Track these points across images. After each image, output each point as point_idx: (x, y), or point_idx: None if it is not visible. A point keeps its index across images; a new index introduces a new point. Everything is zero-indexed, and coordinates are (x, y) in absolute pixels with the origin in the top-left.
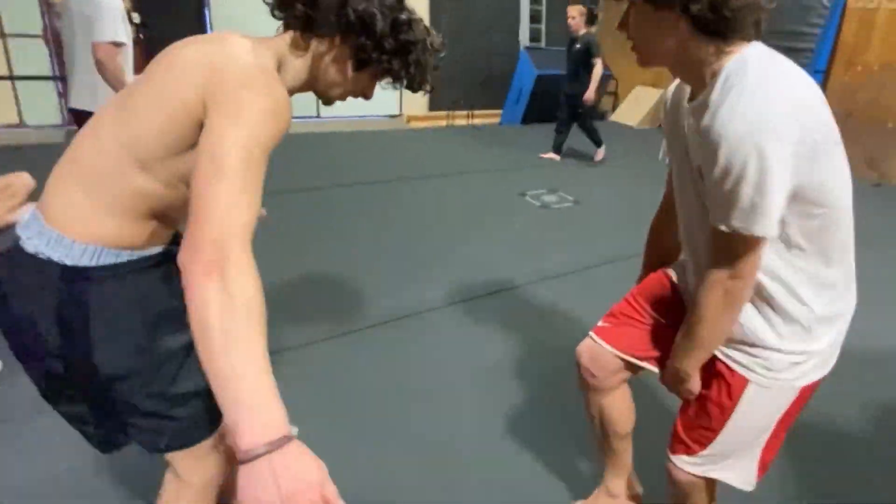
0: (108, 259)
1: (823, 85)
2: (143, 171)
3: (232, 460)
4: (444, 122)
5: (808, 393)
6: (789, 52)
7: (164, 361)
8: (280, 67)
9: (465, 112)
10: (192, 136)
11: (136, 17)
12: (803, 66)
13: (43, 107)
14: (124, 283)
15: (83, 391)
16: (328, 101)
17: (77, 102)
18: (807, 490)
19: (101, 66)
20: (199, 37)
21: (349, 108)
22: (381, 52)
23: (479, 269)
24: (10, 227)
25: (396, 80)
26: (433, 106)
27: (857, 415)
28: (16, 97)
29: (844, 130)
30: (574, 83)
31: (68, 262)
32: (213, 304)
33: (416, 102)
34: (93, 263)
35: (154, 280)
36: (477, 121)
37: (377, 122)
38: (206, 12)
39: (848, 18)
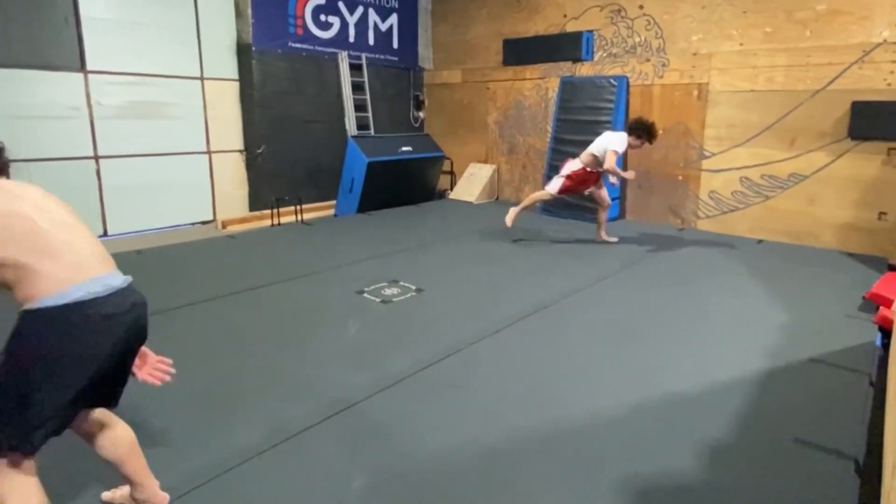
0: None
1: (625, 150)
2: None
3: None
4: (268, 222)
5: None
6: (594, 124)
7: None
8: None
9: (291, 208)
10: None
11: None
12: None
13: None
14: None
15: None
16: None
17: None
18: None
19: None
20: None
21: (149, 220)
22: None
23: (313, 390)
24: None
25: None
26: (253, 205)
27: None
28: None
29: (649, 185)
30: None
31: None
32: None
33: (233, 204)
34: None
35: None
36: (308, 215)
37: (186, 231)
38: None
39: (633, 94)
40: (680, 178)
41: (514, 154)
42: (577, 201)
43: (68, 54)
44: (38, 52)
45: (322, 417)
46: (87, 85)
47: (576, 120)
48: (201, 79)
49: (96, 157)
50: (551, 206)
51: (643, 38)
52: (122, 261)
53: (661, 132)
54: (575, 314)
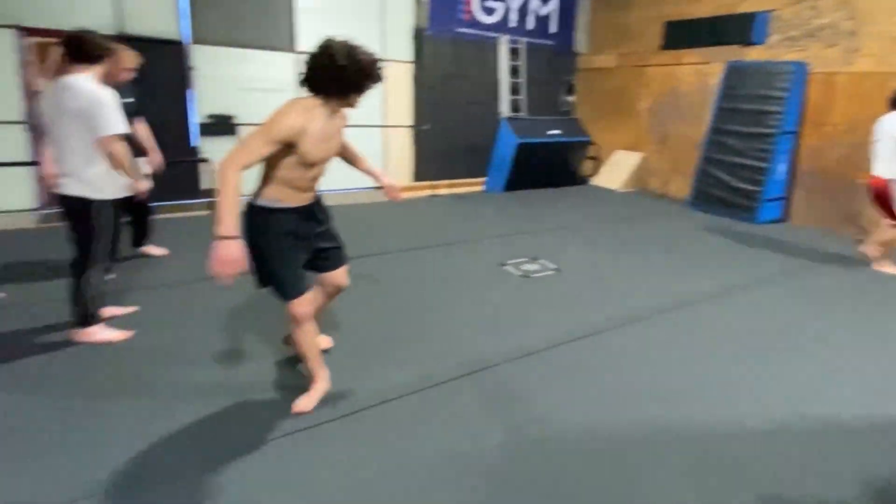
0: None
1: (798, 145)
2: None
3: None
4: (427, 192)
5: None
6: (762, 114)
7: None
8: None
9: (447, 181)
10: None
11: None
12: (773, 126)
13: (18, 192)
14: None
15: None
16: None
17: (70, 190)
18: None
19: (111, 158)
20: None
21: (337, 182)
22: None
23: (456, 347)
24: None
25: None
26: (417, 177)
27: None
28: None
29: (821, 187)
30: None
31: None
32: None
33: (400, 173)
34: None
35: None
36: (460, 189)
37: (360, 194)
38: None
39: (813, 82)
40: (860, 181)
41: (665, 143)
42: (728, 196)
43: (284, 37)
44: (264, 36)
45: (463, 373)
46: (296, 63)
47: (740, 109)
48: (384, 60)
49: None
50: (700, 201)
51: (830, 20)
52: None
53: (842, 128)
54: (721, 317)
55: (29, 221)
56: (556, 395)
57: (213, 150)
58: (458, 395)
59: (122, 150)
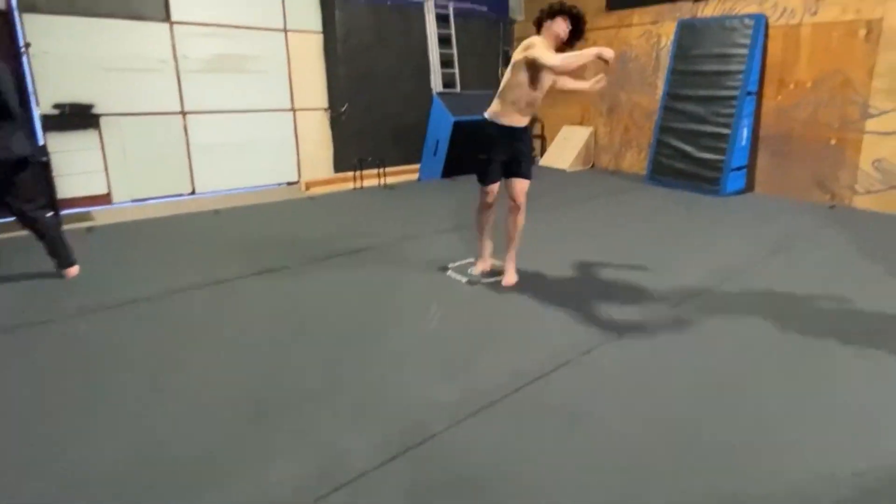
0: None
1: (758, 107)
2: None
3: None
4: (351, 185)
5: None
6: (721, 75)
7: None
8: None
9: (376, 171)
10: None
11: None
12: (736, 88)
13: None
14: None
15: None
16: None
17: None
18: None
19: None
20: None
21: (236, 179)
22: None
23: (376, 410)
24: None
25: None
26: (338, 167)
27: None
28: None
29: (788, 151)
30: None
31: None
32: None
33: (318, 165)
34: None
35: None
36: (391, 179)
37: (271, 192)
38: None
39: (773, 37)
40: (833, 142)
41: (614, 114)
42: (689, 167)
43: (154, 3)
44: (126, 1)
45: (388, 456)
46: (172, 36)
47: (697, 71)
48: (284, 31)
49: (183, 113)
50: (659, 174)
51: None
52: (199, 220)
53: (808, 85)
54: (738, 307)
55: None
56: (538, 472)
57: (69, 148)
58: (377, 498)
59: None
